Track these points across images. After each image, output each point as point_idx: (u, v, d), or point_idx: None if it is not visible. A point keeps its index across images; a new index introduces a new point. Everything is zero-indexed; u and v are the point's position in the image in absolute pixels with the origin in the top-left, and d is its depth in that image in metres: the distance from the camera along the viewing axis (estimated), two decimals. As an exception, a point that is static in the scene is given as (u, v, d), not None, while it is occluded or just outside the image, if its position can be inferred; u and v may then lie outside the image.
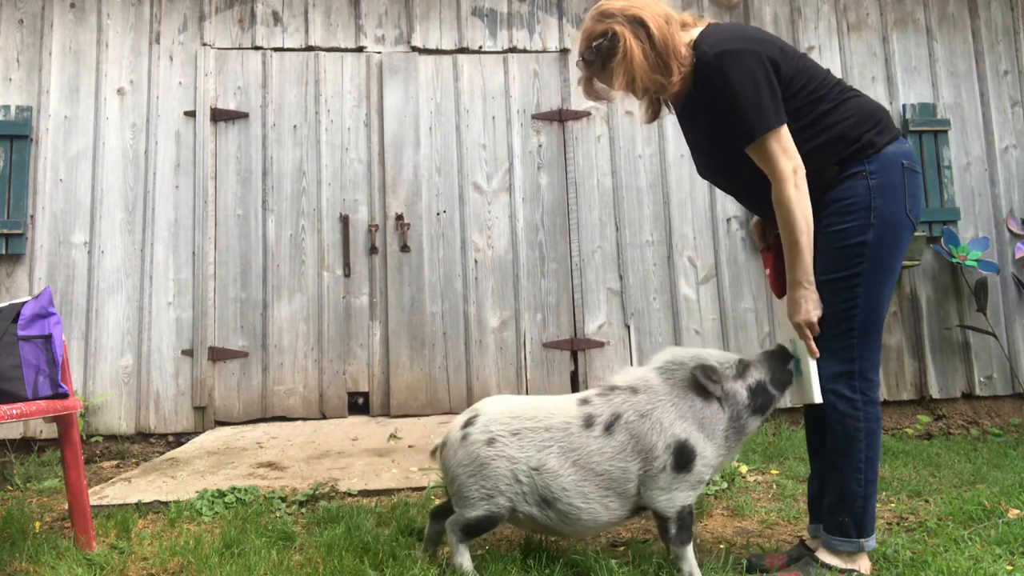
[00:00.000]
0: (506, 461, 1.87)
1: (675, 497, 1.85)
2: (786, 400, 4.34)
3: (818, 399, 1.87)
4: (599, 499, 1.87)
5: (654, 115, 2.14)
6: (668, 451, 1.84)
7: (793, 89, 1.88)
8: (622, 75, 1.90)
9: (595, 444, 1.87)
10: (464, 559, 1.90)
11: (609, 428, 1.88)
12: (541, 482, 1.86)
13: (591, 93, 2.08)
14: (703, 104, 1.93)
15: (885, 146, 1.89)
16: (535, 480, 1.86)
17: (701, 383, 1.89)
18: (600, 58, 1.95)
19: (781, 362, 1.97)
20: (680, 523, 1.86)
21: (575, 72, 4.52)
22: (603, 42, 1.91)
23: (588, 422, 1.90)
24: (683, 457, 1.84)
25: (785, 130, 1.84)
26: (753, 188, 1.96)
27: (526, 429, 1.90)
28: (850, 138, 1.88)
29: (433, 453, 2.06)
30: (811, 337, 1.88)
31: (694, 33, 1.93)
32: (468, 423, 1.96)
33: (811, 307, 1.86)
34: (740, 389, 1.91)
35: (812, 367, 1.88)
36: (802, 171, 1.83)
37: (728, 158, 1.96)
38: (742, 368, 1.94)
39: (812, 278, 1.86)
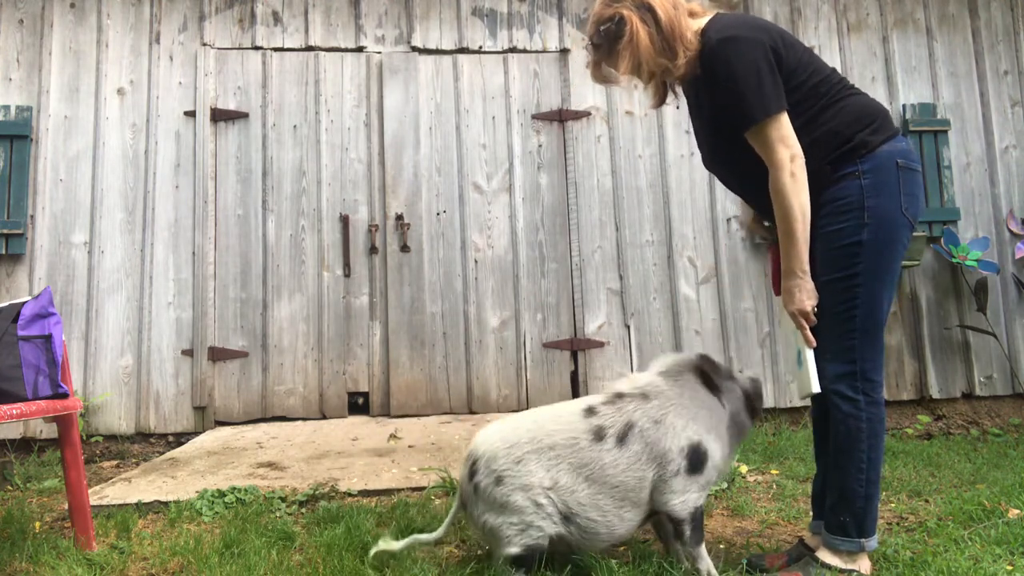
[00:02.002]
0: (521, 491, 1.84)
1: (689, 499, 1.87)
2: (788, 400, 4.35)
3: (816, 388, 1.87)
4: (615, 511, 1.86)
5: (660, 100, 2.16)
6: (682, 455, 1.87)
7: (794, 82, 1.89)
8: (627, 58, 1.93)
9: (608, 457, 1.86)
10: None
11: (622, 439, 1.87)
12: (558, 499, 1.84)
13: (599, 76, 2.11)
14: (707, 90, 1.96)
15: (880, 145, 1.89)
16: (553, 498, 1.84)
17: (706, 371, 1.95)
18: (607, 42, 1.98)
19: (757, 392, 2.07)
20: (694, 524, 1.88)
21: (575, 72, 4.54)
22: (610, 26, 1.95)
23: (599, 435, 1.88)
24: (696, 459, 1.88)
25: (785, 118, 1.85)
26: (751, 179, 1.97)
27: (527, 454, 1.87)
28: (843, 136, 1.89)
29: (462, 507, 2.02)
30: (807, 327, 1.89)
31: (702, 22, 1.96)
32: (472, 472, 1.92)
33: (805, 296, 1.87)
34: (736, 387, 2.01)
35: (809, 357, 1.89)
36: (800, 160, 1.84)
37: (730, 149, 1.98)
38: (732, 372, 2.06)
39: (807, 267, 1.86)
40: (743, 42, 1.85)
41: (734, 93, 1.85)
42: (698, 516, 1.89)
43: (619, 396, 1.95)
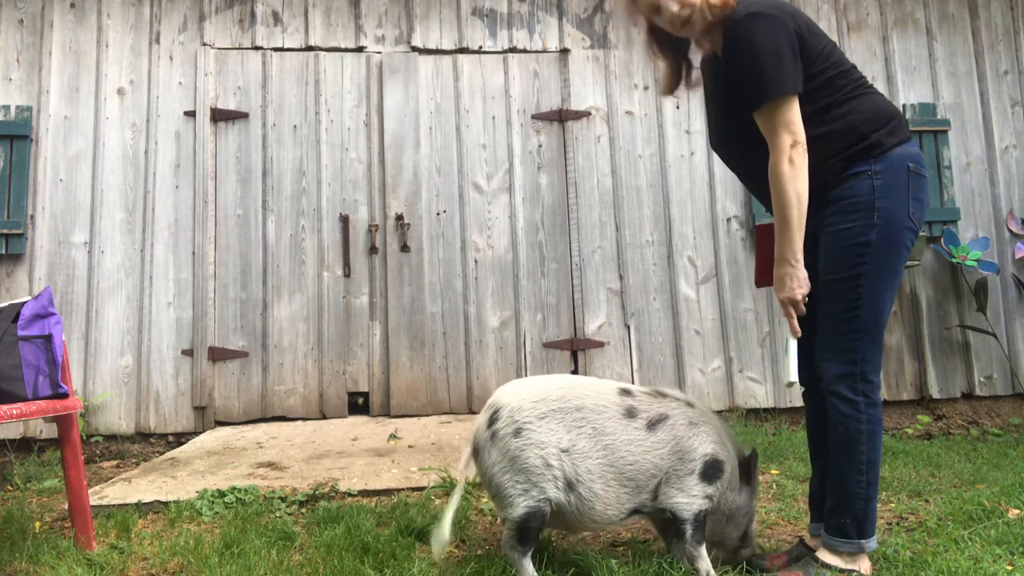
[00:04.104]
0: (536, 448, 1.85)
1: (694, 502, 1.91)
2: (788, 399, 4.35)
3: (794, 377, 1.89)
4: (616, 488, 1.88)
5: (673, 85, 2.13)
6: (702, 459, 1.92)
7: (813, 70, 1.88)
8: None
9: (634, 435, 1.90)
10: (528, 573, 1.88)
11: (653, 425, 1.92)
12: (570, 464, 1.85)
13: (630, 7, 2.06)
14: (727, 64, 1.93)
15: (893, 147, 1.88)
16: (564, 462, 1.85)
17: (751, 467, 2.01)
18: None
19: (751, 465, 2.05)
20: (696, 524, 1.91)
21: (575, 72, 4.54)
22: None
23: (631, 413, 1.92)
24: (713, 469, 1.92)
25: (796, 103, 1.84)
26: (754, 163, 1.96)
27: (553, 411, 1.89)
28: (858, 133, 1.88)
29: (467, 465, 2.00)
30: (794, 316, 1.89)
31: None
32: (492, 420, 1.91)
33: (795, 285, 1.86)
34: (748, 500, 2.02)
35: (792, 346, 1.90)
36: (801, 147, 1.83)
37: (740, 130, 1.96)
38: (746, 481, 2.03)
39: (800, 256, 1.85)
40: (770, 19, 1.84)
41: (752, 68, 1.84)
42: (701, 518, 1.92)
43: (661, 393, 2.01)
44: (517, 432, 1.87)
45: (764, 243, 2.12)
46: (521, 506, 1.84)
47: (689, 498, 1.90)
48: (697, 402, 2.03)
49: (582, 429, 1.88)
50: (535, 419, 1.87)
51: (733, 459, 1.99)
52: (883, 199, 1.84)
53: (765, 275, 2.12)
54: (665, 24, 1.99)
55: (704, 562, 1.90)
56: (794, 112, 1.84)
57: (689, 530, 1.90)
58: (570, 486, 1.85)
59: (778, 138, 1.84)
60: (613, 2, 4.63)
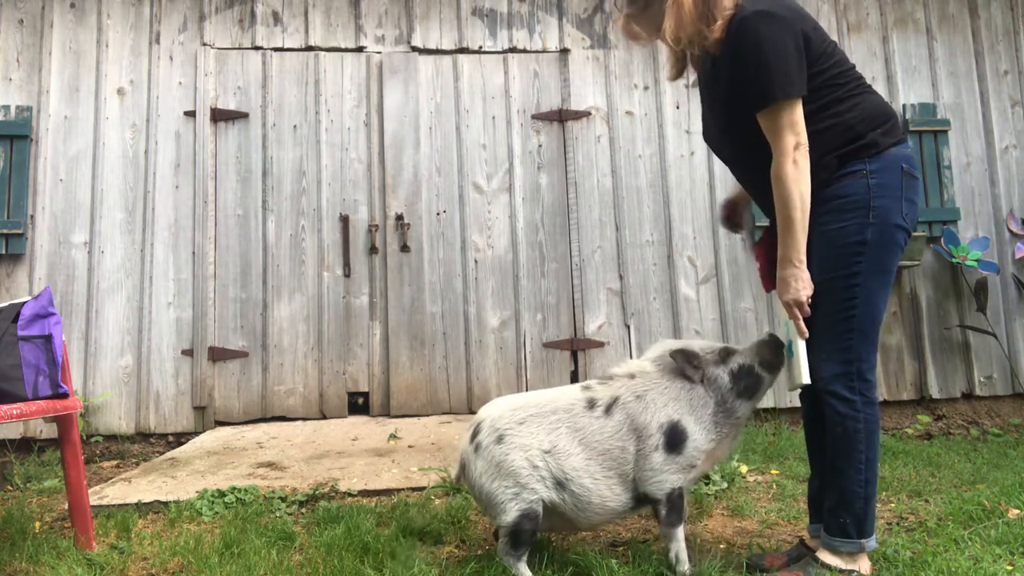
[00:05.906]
0: (519, 451, 1.89)
1: (665, 479, 1.91)
2: (788, 400, 4.35)
3: (807, 380, 1.86)
4: (604, 479, 1.91)
5: (679, 72, 2.11)
6: (661, 431, 1.92)
7: (816, 68, 1.87)
8: (672, 21, 1.89)
9: (597, 424, 1.93)
10: None
11: (609, 409, 1.95)
12: (555, 463, 1.89)
13: (629, 31, 2.07)
14: (730, 62, 1.90)
15: (888, 148, 1.88)
16: (549, 462, 1.89)
17: (679, 365, 1.99)
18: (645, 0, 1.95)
19: (770, 347, 2.03)
20: (670, 505, 1.91)
21: (575, 72, 4.54)
22: None
23: (591, 404, 1.97)
24: (675, 438, 1.92)
25: (800, 104, 1.83)
26: (753, 166, 1.95)
27: (531, 416, 1.95)
28: (856, 132, 1.87)
29: (458, 480, 2.06)
30: (800, 317, 1.87)
31: None
32: (475, 434, 1.98)
33: (800, 286, 1.85)
34: (722, 374, 1.99)
35: (802, 348, 1.88)
36: (804, 148, 1.82)
37: (740, 129, 1.95)
38: (725, 354, 2.02)
39: (803, 257, 1.85)
40: (778, 19, 1.83)
41: (758, 68, 1.82)
42: (675, 498, 1.91)
43: (610, 377, 2.06)
44: (499, 439, 1.92)
45: (765, 249, 2.11)
46: (513, 510, 1.86)
47: (659, 476, 1.90)
48: (638, 369, 2.03)
49: (559, 430, 1.93)
50: (515, 424, 1.93)
51: (699, 394, 1.96)
52: (878, 198, 1.85)
53: (772, 279, 2.10)
54: (679, 44, 1.95)
55: (677, 544, 1.91)
56: (798, 113, 1.83)
57: (663, 511, 1.91)
58: (561, 485, 1.89)
59: (782, 140, 1.83)
60: (613, 2, 4.63)
